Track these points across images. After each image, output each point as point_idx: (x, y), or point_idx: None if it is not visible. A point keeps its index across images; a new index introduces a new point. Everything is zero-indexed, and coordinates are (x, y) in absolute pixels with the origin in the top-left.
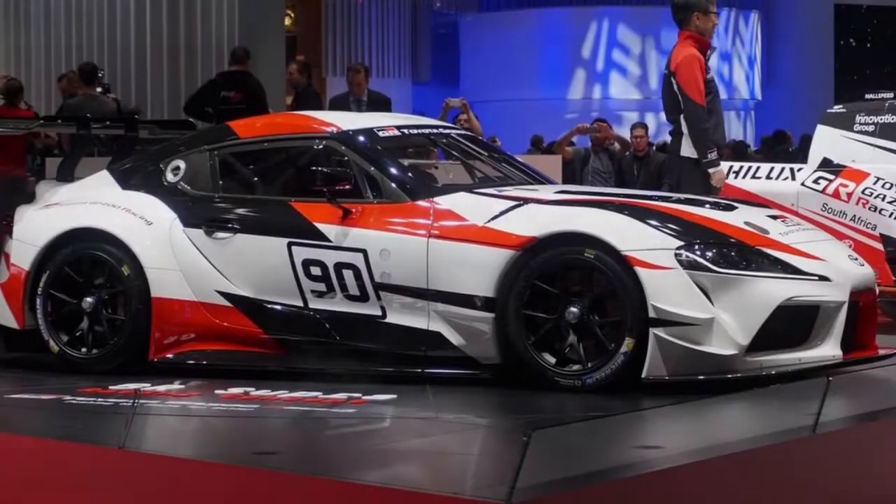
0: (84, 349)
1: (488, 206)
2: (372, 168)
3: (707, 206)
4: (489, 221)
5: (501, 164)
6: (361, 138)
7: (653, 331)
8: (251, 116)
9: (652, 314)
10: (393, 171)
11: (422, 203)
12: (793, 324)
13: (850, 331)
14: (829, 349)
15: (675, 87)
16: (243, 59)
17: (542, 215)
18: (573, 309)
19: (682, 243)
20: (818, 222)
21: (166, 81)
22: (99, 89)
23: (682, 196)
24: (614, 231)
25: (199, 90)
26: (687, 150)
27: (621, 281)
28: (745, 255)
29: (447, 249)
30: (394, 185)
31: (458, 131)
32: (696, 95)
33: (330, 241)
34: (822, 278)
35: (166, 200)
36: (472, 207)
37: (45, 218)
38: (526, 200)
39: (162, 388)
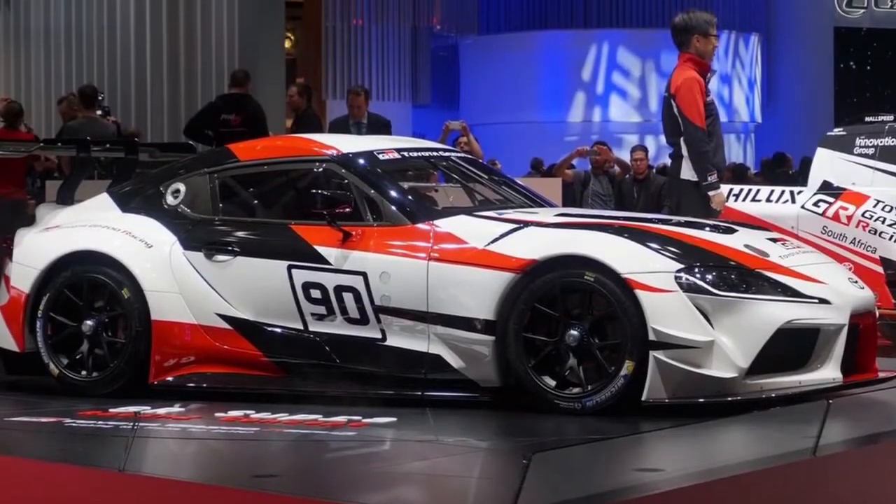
0: (84, 372)
1: (488, 229)
2: (372, 191)
3: (707, 228)
4: (489, 244)
5: (501, 186)
6: (361, 161)
7: (653, 353)
8: (251, 139)
9: (652, 337)
10: (393, 193)
11: (422, 226)
12: (793, 346)
13: (850, 354)
14: (829, 372)
15: (675, 109)
16: (243, 81)
17: (542, 238)
18: (573, 332)
19: (681, 266)
20: (818, 245)
21: (166, 104)
22: (99, 112)
23: (682, 219)
24: (614, 254)
25: (199, 113)
26: (687, 172)
27: (621, 303)
28: (745, 277)
29: (447, 272)
30: (394, 207)
31: (458, 154)
32: (696, 118)
33: (330, 263)
34: (822, 301)
35: (166, 223)
36: (472, 230)
37: (45, 241)
38: (526, 223)
39: (162, 410)
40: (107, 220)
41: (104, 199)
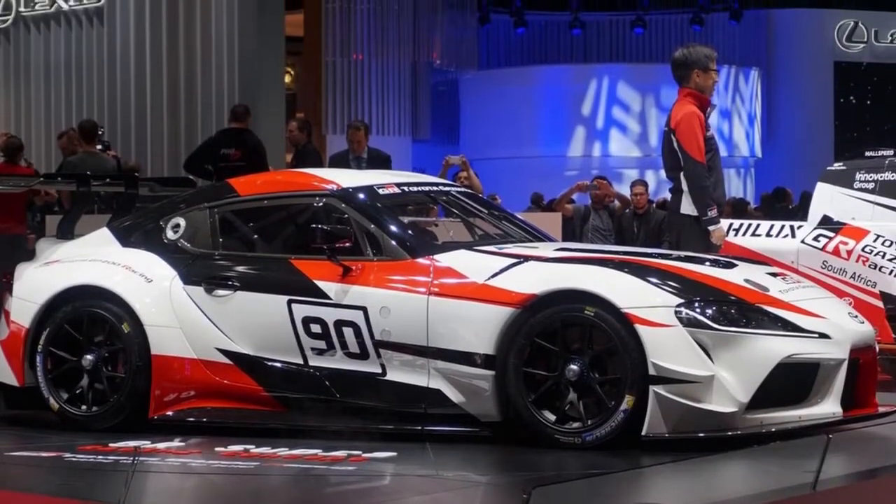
0: (84, 406)
1: (488, 264)
2: (372, 226)
3: (707, 263)
4: (489, 279)
5: (501, 221)
6: (361, 196)
7: (653, 388)
8: (251, 174)
9: (652, 371)
10: (393, 228)
11: (422, 260)
12: (793, 381)
13: (850, 388)
14: (829, 407)
15: (676, 144)
16: (243, 116)
17: (542, 273)
18: (573, 366)
19: (682, 301)
20: (818, 280)
21: (166, 139)
22: (99, 147)
23: (682, 254)
24: (614, 288)
25: (199, 148)
26: (687, 207)
27: (621, 338)
28: (745, 312)
29: (447, 307)
30: (394, 242)
31: (458, 189)
32: (696, 153)
33: (330, 298)
34: (822, 336)
35: (166, 258)
36: (472, 265)
37: (45, 275)
38: (526, 258)
39: (162, 445)
40: (107, 254)
41: (104, 233)
